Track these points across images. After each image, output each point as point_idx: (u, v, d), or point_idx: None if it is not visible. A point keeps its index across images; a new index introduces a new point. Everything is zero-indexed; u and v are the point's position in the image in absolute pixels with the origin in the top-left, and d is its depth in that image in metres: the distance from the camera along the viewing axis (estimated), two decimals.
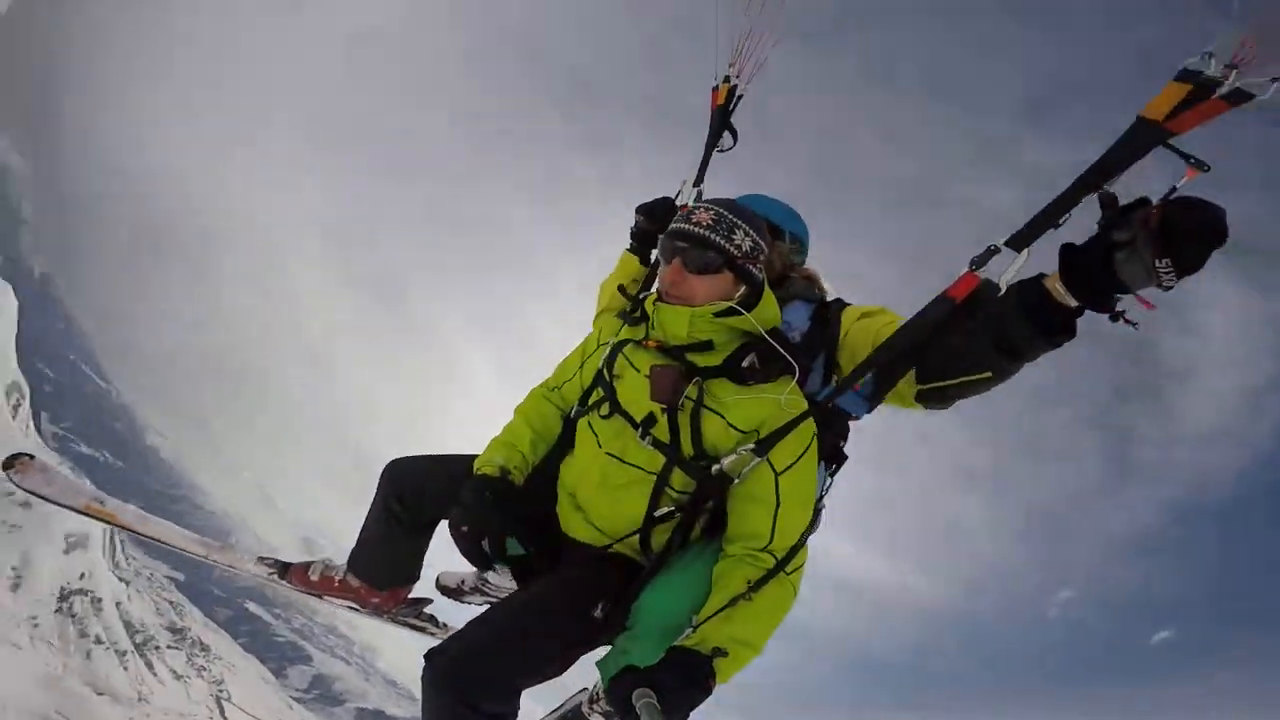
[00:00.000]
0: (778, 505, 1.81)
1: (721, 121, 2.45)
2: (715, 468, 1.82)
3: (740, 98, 2.46)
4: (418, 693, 1.83)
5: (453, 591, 2.74)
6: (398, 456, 2.30)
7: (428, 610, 2.71)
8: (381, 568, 2.45)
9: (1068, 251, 1.40)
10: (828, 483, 2.21)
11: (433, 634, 2.66)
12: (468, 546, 1.92)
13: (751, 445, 1.79)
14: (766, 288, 1.95)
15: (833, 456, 2.20)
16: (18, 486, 2.13)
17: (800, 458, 1.85)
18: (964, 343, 1.62)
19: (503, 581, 2.60)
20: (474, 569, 2.66)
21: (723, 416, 1.82)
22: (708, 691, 1.60)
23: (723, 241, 1.83)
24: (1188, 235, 1.22)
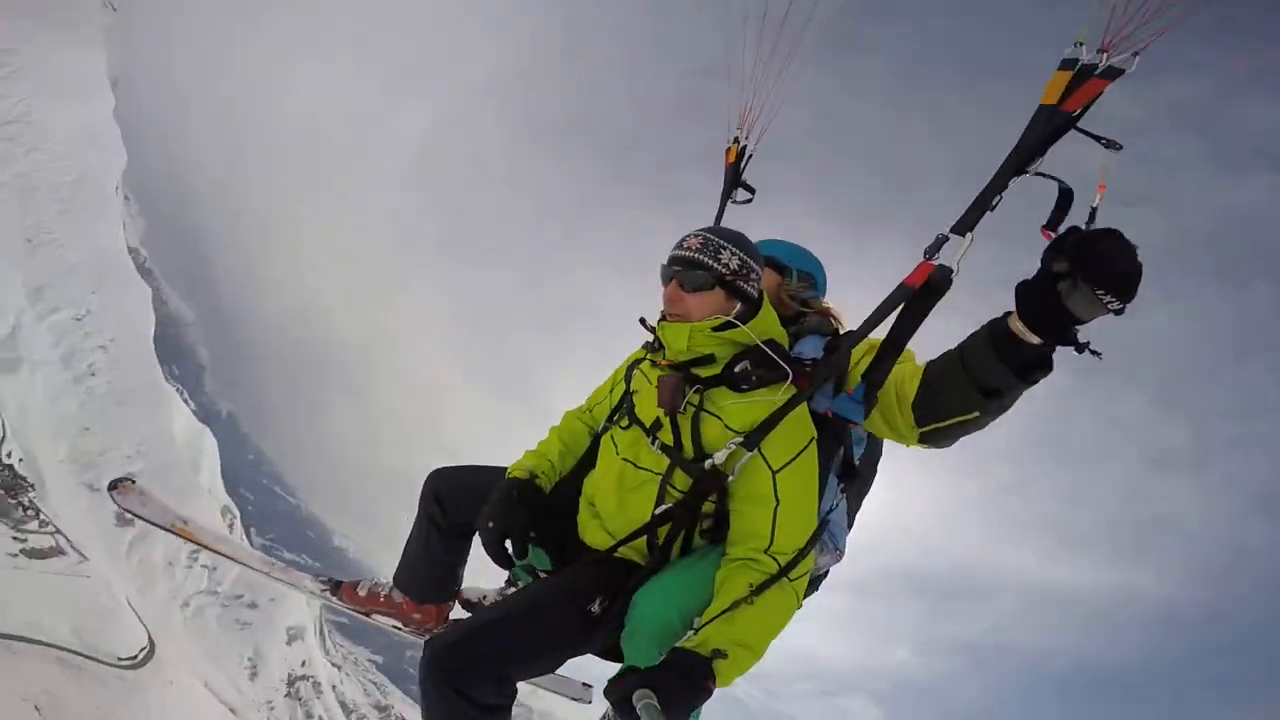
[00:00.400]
0: (777, 504, 1.89)
1: (734, 178, 2.70)
2: (709, 463, 1.93)
3: (750, 156, 2.71)
4: None
5: (473, 606, 2.83)
6: (440, 466, 2.49)
7: (439, 631, 2.85)
8: (422, 579, 2.59)
9: (1021, 289, 1.51)
10: (838, 499, 2.25)
11: None
12: (492, 542, 2.07)
13: (740, 439, 1.89)
14: (766, 303, 2.11)
15: (844, 472, 2.26)
16: (118, 505, 2.48)
17: (798, 455, 1.93)
18: (953, 388, 1.74)
19: None
20: (495, 587, 2.83)
21: (720, 419, 1.96)
22: (707, 693, 1.64)
23: (710, 261, 2.02)
24: (1108, 272, 1.36)
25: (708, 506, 2.01)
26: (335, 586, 2.74)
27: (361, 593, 2.71)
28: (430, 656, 1.82)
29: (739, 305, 2.06)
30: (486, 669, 1.81)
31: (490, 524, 2.08)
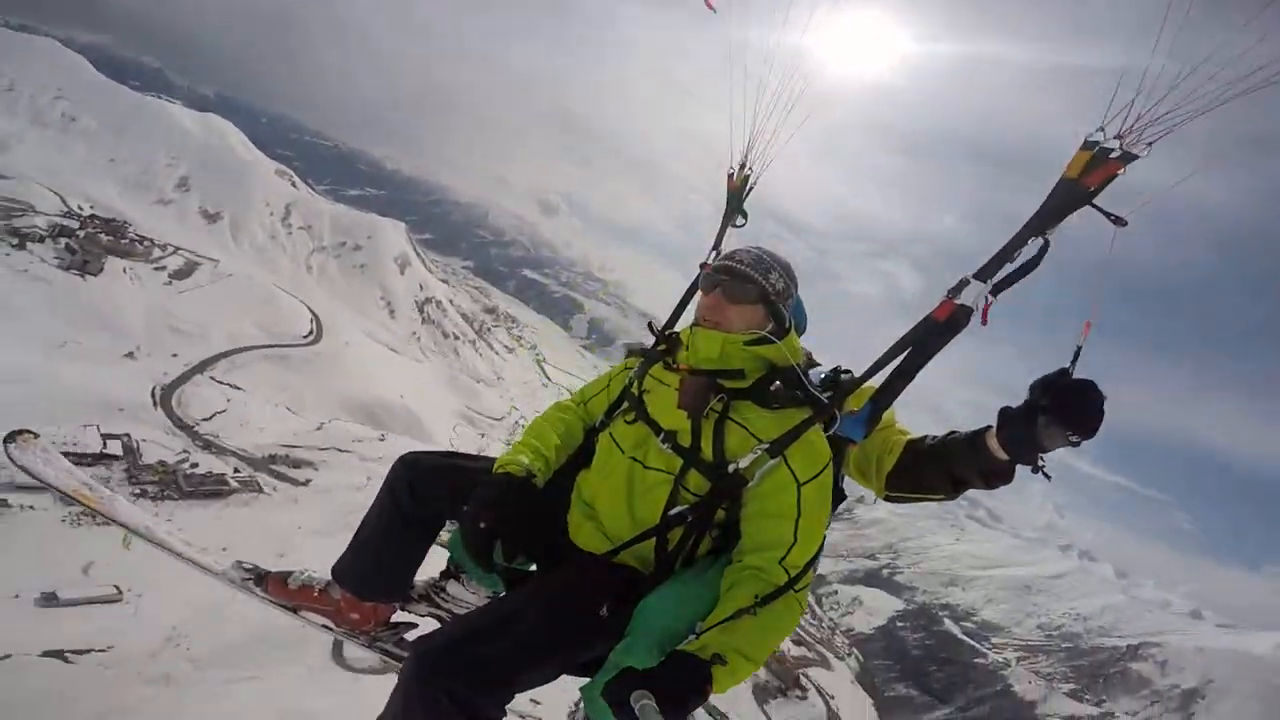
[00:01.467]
0: (799, 516, 1.89)
1: (736, 204, 2.77)
2: (731, 467, 1.91)
3: (752, 186, 2.81)
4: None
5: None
6: (412, 450, 2.32)
7: (410, 636, 2.50)
8: (370, 573, 2.31)
9: (1003, 414, 1.75)
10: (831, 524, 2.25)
11: None
12: (480, 542, 1.92)
13: (766, 445, 1.90)
14: (793, 329, 2.15)
15: (835, 494, 2.26)
16: (13, 461, 2.13)
17: (821, 472, 1.95)
18: (929, 474, 2.02)
19: (462, 594, 2.41)
20: (425, 578, 2.51)
21: (746, 428, 1.96)
22: (704, 696, 1.61)
23: (760, 278, 2.07)
24: (1081, 420, 1.62)
25: (719, 514, 1.98)
26: (260, 578, 2.40)
27: (292, 586, 2.41)
28: (422, 659, 1.65)
29: (772, 325, 2.09)
30: (491, 676, 1.66)
31: (482, 524, 1.91)
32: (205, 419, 40.37)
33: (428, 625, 2.29)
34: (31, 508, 27.49)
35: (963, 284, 1.82)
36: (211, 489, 34.18)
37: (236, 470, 36.54)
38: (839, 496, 2.21)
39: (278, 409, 45.00)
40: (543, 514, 2.15)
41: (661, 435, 2.02)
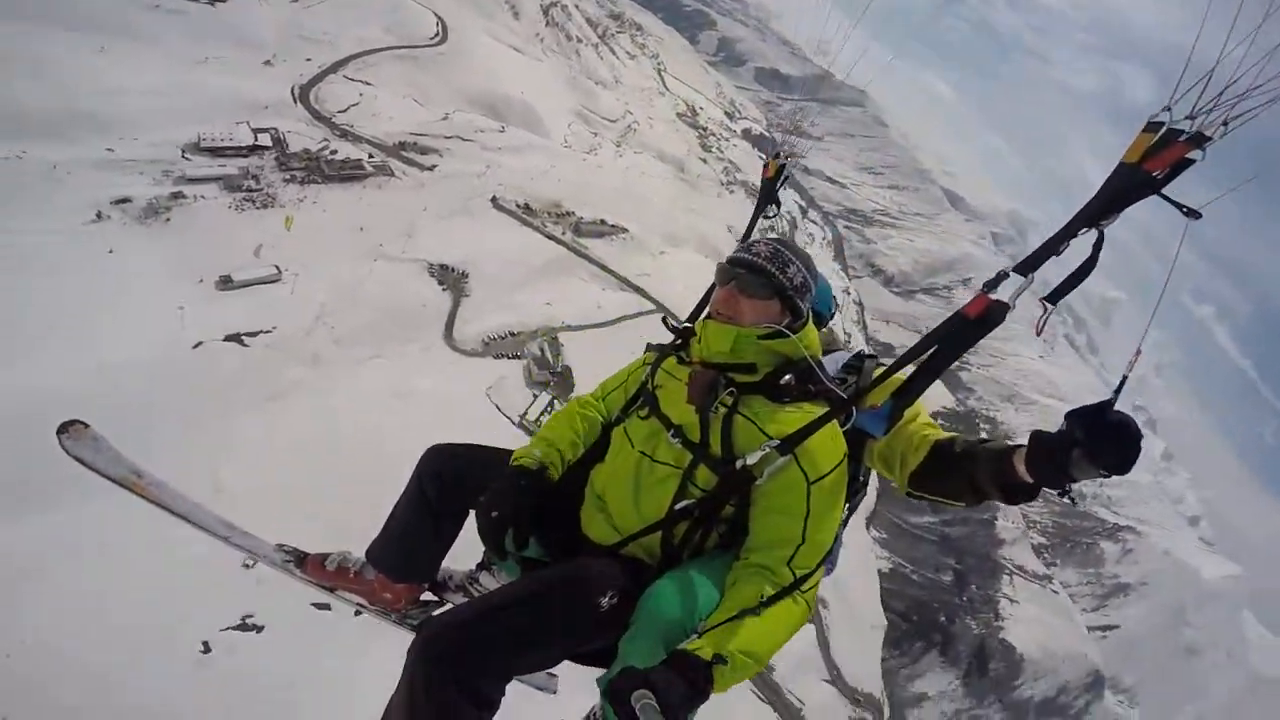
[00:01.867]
0: (808, 515, 1.88)
1: (769, 191, 2.79)
2: (740, 463, 1.89)
3: (787, 177, 2.81)
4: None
5: (438, 585, 2.73)
6: (439, 442, 2.37)
7: (436, 613, 2.73)
8: (403, 558, 2.46)
9: (1036, 440, 1.69)
10: (844, 510, 2.19)
11: None
12: (493, 532, 1.99)
13: (776, 442, 1.88)
14: (810, 322, 2.13)
15: (851, 489, 2.22)
16: (68, 452, 2.26)
17: (833, 470, 1.92)
18: (954, 480, 1.96)
19: (492, 585, 2.59)
20: (464, 570, 2.71)
21: (755, 424, 1.94)
22: (705, 696, 1.62)
23: (776, 272, 2.04)
24: (1116, 459, 1.56)
25: (726, 510, 1.97)
26: (300, 559, 2.58)
27: (330, 567, 2.57)
28: (430, 638, 1.73)
29: (789, 319, 2.07)
30: (493, 655, 1.73)
31: (494, 514, 2.00)
32: (340, 111, 43.47)
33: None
34: (203, 197, 31.23)
35: (1001, 277, 1.74)
36: (350, 173, 39.00)
37: (370, 156, 40.85)
38: (856, 489, 2.23)
39: (405, 101, 47.56)
40: (557, 506, 2.19)
41: (671, 430, 2.02)
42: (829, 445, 1.92)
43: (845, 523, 2.35)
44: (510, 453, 2.25)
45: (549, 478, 2.16)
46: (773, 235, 2.27)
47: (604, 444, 2.27)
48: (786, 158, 2.74)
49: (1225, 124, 1.40)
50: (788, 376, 1.97)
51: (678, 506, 1.98)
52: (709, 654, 1.64)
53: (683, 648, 1.68)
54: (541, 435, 2.29)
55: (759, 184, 2.88)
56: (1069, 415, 1.64)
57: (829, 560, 2.20)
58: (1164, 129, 1.47)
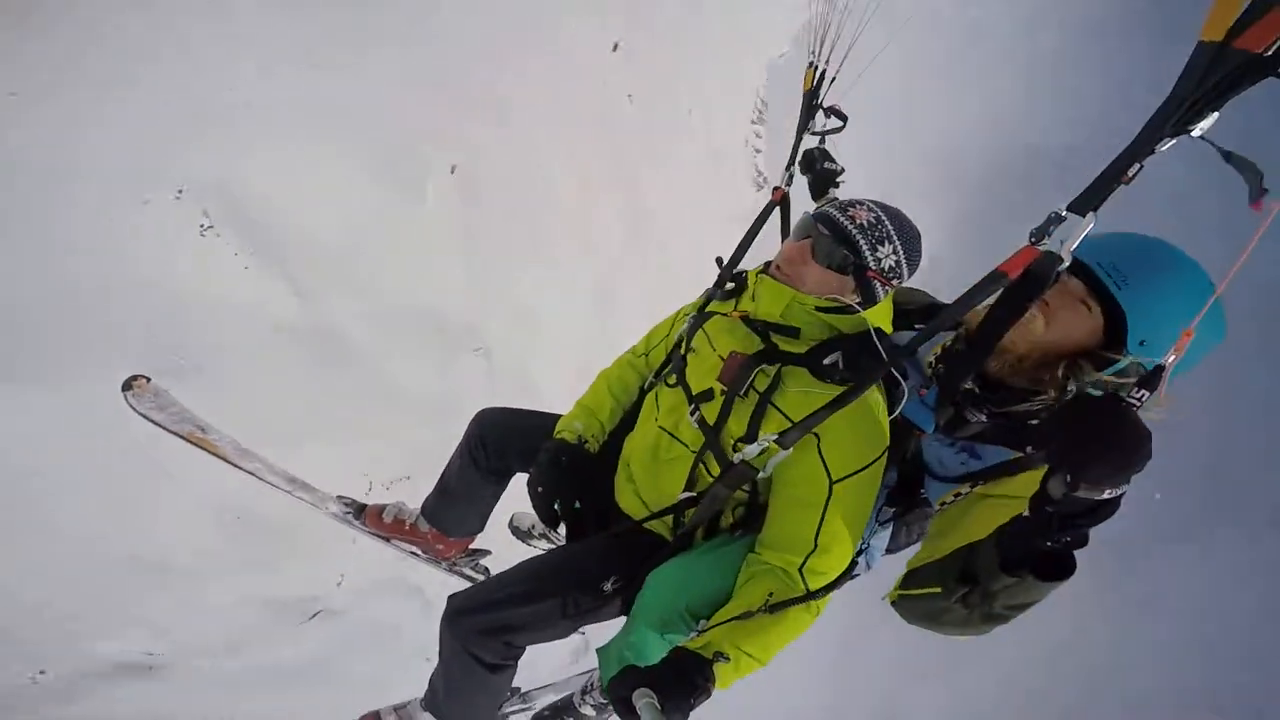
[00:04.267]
0: (823, 520, 1.66)
1: (808, 105, 2.32)
2: (738, 457, 1.67)
3: (832, 80, 2.28)
4: None
5: (523, 534, 2.95)
6: (487, 407, 2.43)
7: (484, 562, 2.89)
8: (454, 515, 2.61)
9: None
10: (876, 529, 1.89)
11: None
12: (540, 506, 2.08)
13: (775, 435, 1.61)
14: (887, 301, 1.74)
15: (897, 496, 1.87)
16: (133, 408, 2.29)
17: (865, 468, 1.66)
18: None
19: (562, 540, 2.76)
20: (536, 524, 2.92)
21: (783, 412, 1.69)
22: (706, 694, 1.57)
23: (865, 248, 1.71)
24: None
25: (740, 494, 1.83)
26: (359, 510, 2.70)
27: (387, 519, 2.70)
28: (450, 614, 1.94)
29: (858, 299, 1.75)
30: (496, 639, 1.91)
31: (540, 489, 2.07)
32: None
33: (504, 555, 2.67)
34: None
35: (1051, 221, 1.23)
36: None
37: None
38: (907, 494, 1.88)
39: None
40: (599, 475, 2.19)
41: (692, 407, 1.83)
42: (863, 435, 1.65)
43: (874, 534, 1.96)
44: (556, 418, 2.29)
45: (589, 450, 2.16)
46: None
47: (639, 407, 2.18)
48: (825, 63, 2.27)
49: None
50: (835, 355, 1.68)
51: (682, 495, 1.86)
52: (710, 652, 1.57)
53: (683, 645, 1.62)
54: (583, 402, 2.28)
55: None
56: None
57: (867, 565, 2.01)
58: None
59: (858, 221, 1.71)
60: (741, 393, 1.73)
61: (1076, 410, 1.15)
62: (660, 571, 1.86)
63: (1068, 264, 1.19)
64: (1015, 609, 1.33)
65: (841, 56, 2.22)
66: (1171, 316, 1.33)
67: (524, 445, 2.27)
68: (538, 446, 2.17)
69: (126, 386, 2.27)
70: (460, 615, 1.92)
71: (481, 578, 2.88)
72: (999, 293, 1.30)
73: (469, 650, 1.93)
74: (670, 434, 1.91)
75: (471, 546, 2.83)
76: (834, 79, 2.27)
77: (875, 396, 1.69)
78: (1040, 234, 1.22)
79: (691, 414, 1.83)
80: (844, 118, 2.25)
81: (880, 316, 1.66)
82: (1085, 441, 1.08)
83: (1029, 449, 1.47)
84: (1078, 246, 1.17)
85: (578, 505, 2.15)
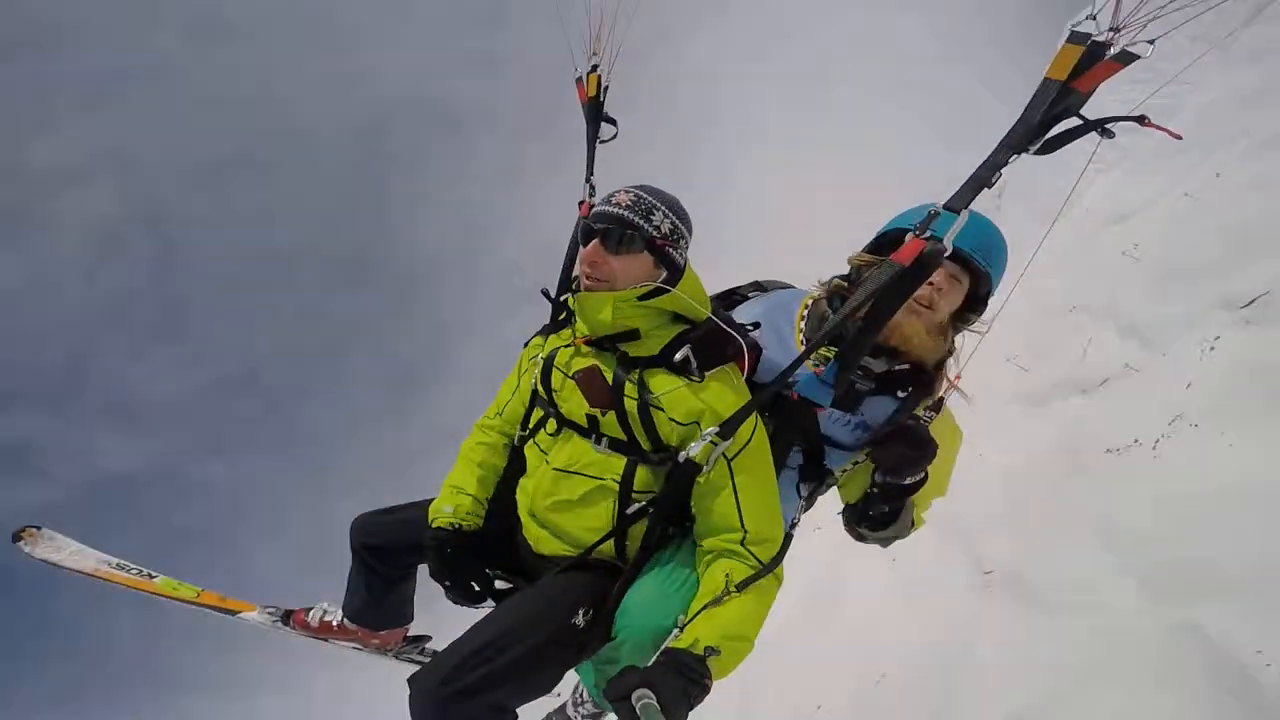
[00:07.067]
0: (735, 491, 1.76)
1: (595, 113, 2.39)
2: (682, 456, 1.74)
3: (607, 87, 2.39)
4: None
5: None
6: (359, 515, 2.34)
7: (429, 646, 2.80)
8: (378, 615, 2.52)
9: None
10: (799, 505, 2.05)
11: None
12: (458, 597, 2.00)
13: (716, 429, 1.71)
14: (690, 272, 1.88)
15: (809, 472, 2.01)
16: (29, 557, 2.25)
17: (748, 443, 1.78)
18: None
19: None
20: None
21: (664, 411, 1.78)
22: (706, 690, 1.60)
23: (641, 221, 1.81)
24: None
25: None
26: (286, 616, 2.63)
27: (313, 622, 2.63)
28: (419, 696, 1.72)
29: (664, 274, 1.83)
30: (480, 701, 1.72)
31: (447, 583, 1.99)
32: None
33: (443, 632, 2.57)
34: None
35: (931, 217, 1.53)
36: None
37: None
38: (815, 474, 2.03)
39: None
40: (496, 541, 2.10)
41: (594, 436, 1.85)
42: (732, 404, 1.75)
43: (800, 511, 2.12)
44: (425, 503, 2.15)
45: (468, 528, 2.04)
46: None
47: (519, 459, 2.12)
48: (602, 65, 2.28)
49: (1151, 43, 1.30)
50: (684, 350, 1.75)
51: (628, 511, 1.85)
52: (700, 648, 1.59)
53: (672, 645, 1.63)
54: (449, 481, 2.15)
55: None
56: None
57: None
58: (1090, 42, 1.35)
59: (624, 204, 1.81)
60: (621, 405, 1.78)
61: (892, 433, 1.77)
62: (641, 592, 1.81)
63: (949, 251, 1.55)
64: (878, 542, 2.06)
65: (612, 62, 2.25)
66: (1001, 271, 1.94)
67: (409, 542, 2.18)
68: (422, 538, 2.04)
69: (16, 539, 2.23)
70: (435, 693, 1.71)
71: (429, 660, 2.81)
72: (887, 278, 1.58)
73: None
74: (574, 473, 1.88)
75: (411, 634, 2.76)
76: (608, 86, 2.34)
77: (725, 372, 1.81)
78: (924, 227, 1.53)
79: (597, 444, 1.84)
80: (615, 123, 2.35)
81: (691, 286, 1.84)
82: (895, 452, 1.77)
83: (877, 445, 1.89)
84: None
85: (492, 573, 2.06)
